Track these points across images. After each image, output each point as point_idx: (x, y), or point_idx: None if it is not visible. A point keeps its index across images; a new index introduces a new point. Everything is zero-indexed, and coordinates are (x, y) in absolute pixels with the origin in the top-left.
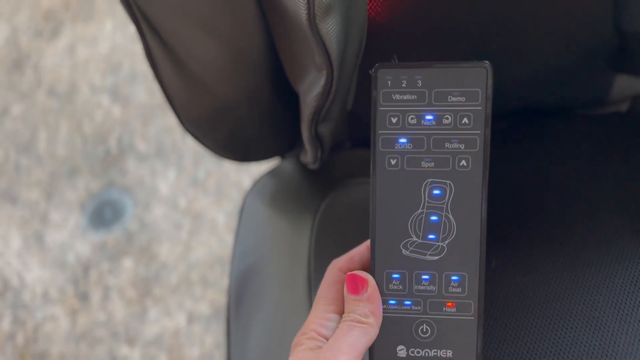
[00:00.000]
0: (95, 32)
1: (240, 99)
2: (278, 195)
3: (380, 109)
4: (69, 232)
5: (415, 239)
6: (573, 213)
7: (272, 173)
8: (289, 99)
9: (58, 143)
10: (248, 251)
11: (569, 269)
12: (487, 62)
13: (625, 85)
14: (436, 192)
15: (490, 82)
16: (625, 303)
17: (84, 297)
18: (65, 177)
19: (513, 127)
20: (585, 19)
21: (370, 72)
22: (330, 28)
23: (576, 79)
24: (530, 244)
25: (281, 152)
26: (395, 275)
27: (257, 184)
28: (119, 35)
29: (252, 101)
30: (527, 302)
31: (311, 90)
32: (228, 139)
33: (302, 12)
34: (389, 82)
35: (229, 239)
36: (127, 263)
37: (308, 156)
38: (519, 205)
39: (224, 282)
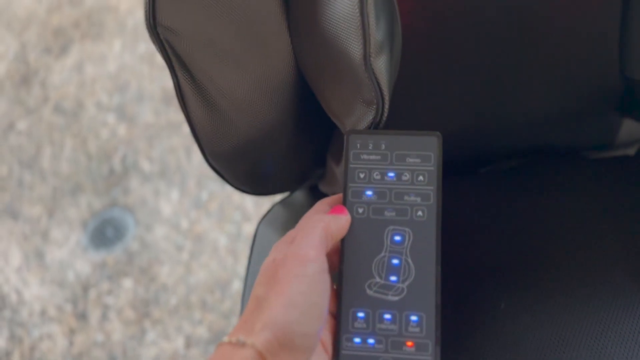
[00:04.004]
0: (103, 51)
1: (264, 135)
2: (290, 225)
3: (351, 166)
4: (69, 250)
5: (378, 279)
6: (582, 257)
7: (283, 203)
8: (308, 136)
9: (62, 160)
10: None
11: (578, 314)
12: (438, 132)
13: (632, 129)
14: (397, 238)
15: (440, 147)
16: (634, 349)
17: (82, 316)
18: (68, 194)
19: (523, 166)
20: (593, 65)
21: (344, 134)
22: (382, 65)
23: (584, 121)
24: (540, 288)
25: (295, 187)
26: (360, 315)
27: (269, 213)
28: (127, 55)
29: (274, 137)
30: (536, 345)
31: (358, 124)
32: (248, 173)
33: (356, 51)
34: (358, 144)
35: (229, 262)
36: (127, 283)
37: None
38: (528, 247)
39: (224, 306)
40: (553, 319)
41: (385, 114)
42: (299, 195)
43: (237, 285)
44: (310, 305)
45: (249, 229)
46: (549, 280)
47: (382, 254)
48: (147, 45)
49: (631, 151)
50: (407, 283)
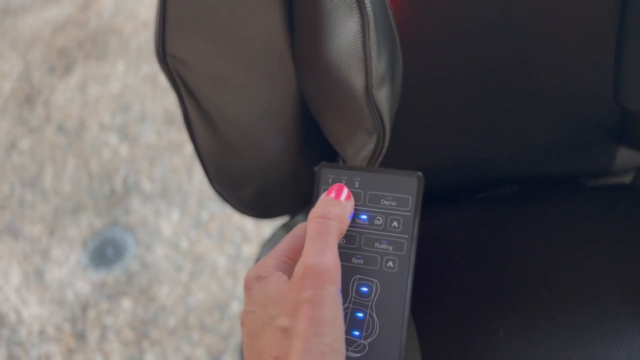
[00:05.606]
0: (107, 71)
1: (268, 162)
2: None
3: None
4: (69, 270)
5: None
6: (577, 283)
7: (286, 227)
8: (310, 163)
9: (64, 179)
10: None
11: (575, 341)
12: (419, 172)
13: (628, 157)
14: (363, 289)
15: (420, 190)
16: None
17: (81, 336)
18: (69, 213)
19: (520, 192)
20: (589, 95)
21: (314, 169)
22: (383, 96)
23: (581, 150)
24: (537, 313)
25: (297, 211)
26: None
27: (272, 237)
28: (130, 76)
29: (278, 164)
30: None
31: (360, 152)
32: (252, 198)
33: (359, 83)
34: (330, 180)
35: (229, 283)
36: (126, 303)
37: None
38: (524, 272)
39: (222, 327)
40: (551, 346)
41: (387, 143)
42: (301, 219)
43: (236, 307)
44: (339, 328)
45: (249, 250)
46: (546, 305)
47: (346, 305)
48: (150, 67)
49: (627, 179)
50: (369, 340)
